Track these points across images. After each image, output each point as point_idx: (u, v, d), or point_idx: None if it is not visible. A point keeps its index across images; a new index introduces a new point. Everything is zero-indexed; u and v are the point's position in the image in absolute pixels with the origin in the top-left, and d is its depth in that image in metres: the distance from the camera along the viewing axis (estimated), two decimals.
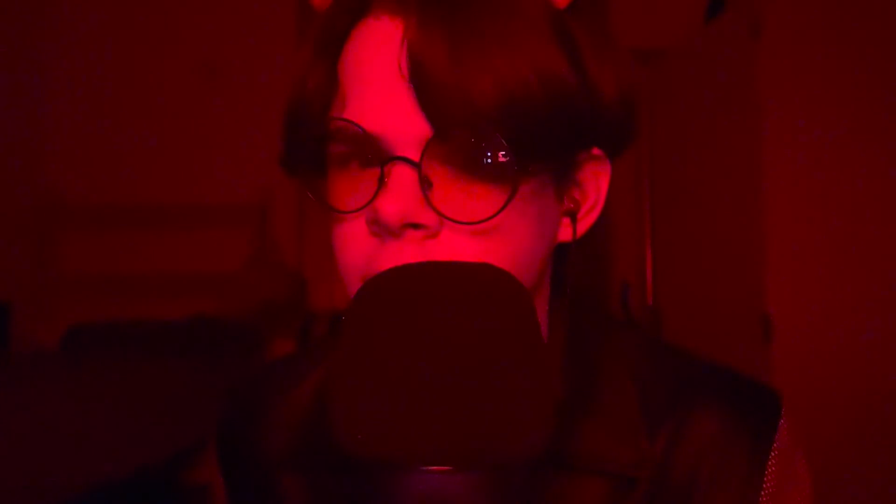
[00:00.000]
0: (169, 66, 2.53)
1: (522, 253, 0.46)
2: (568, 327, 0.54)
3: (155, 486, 1.38)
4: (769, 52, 1.74)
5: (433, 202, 0.43)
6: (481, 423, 0.36)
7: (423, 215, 0.43)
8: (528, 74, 0.42)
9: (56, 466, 1.11)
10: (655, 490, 0.49)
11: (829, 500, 0.62)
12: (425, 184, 0.43)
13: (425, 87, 0.42)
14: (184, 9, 2.52)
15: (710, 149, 2.03)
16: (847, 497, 1.56)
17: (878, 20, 1.74)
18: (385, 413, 0.36)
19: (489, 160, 0.43)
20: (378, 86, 0.44)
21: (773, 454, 0.50)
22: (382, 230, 0.43)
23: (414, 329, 0.38)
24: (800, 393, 1.35)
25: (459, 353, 0.37)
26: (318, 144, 0.47)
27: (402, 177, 0.43)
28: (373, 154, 0.44)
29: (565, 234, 0.50)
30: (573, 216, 0.49)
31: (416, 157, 0.43)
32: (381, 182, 0.43)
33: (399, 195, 0.42)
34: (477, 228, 0.43)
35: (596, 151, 0.49)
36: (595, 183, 0.50)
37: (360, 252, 0.45)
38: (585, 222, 0.50)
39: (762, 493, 0.50)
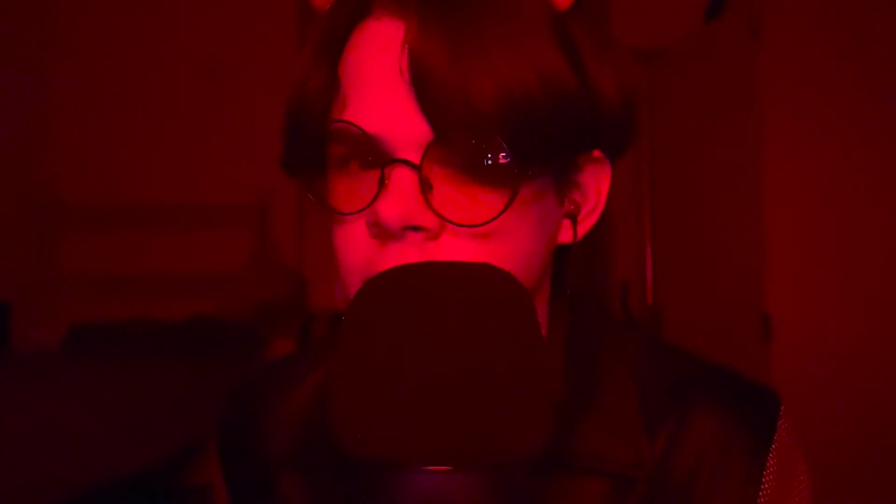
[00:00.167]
0: (169, 66, 2.53)
1: (523, 255, 0.46)
2: (568, 327, 0.54)
3: (155, 486, 1.38)
4: (769, 52, 1.74)
5: (433, 205, 0.43)
6: (481, 424, 0.36)
7: (423, 217, 0.43)
8: (528, 76, 0.42)
9: (56, 466, 1.11)
10: (655, 490, 0.50)
11: (828, 500, 0.62)
12: (425, 186, 0.43)
13: (426, 88, 0.42)
14: (184, 9, 2.52)
15: (710, 149, 2.03)
16: (847, 497, 1.56)
17: (878, 20, 1.74)
18: (385, 413, 0.36)
19: (490, 162, 0.43)
20: (378, 87, 0.44)
21: (772, 454, 0.50)
22: (383, 232, 0.43)
23: (414, 329, 0.38)
24: (800, 393, 1.35)
25: (459, 353, 0.37)
26: (319, 145, 0.47)
27: (402, 179, 0.43)
28: (373, 156, 0.44)
29: (566, 235, 0.50)
30: (574, 218, 0.49)
31: (416, 159, 0.43)
32: (382, 184, 0.43)
33: (399, 197, 0.42)
34: (477, 231, 0.43)
35: (596, 153, 0.49)
36: (595, 185, 0.50)
37: (360, 253, 0.45)
38: (586, 224, 0.50)
39: (761, 493, 0.50)
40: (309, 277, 2.44)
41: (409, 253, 0.43)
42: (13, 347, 2.23)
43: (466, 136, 0.43)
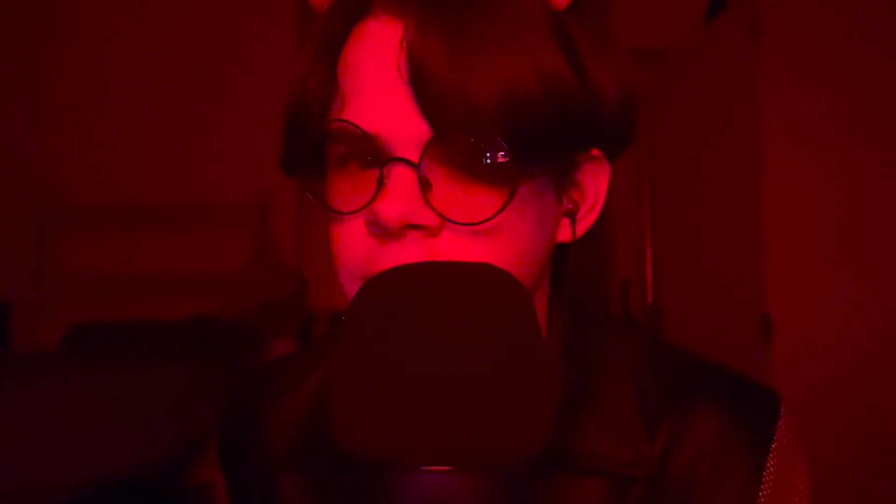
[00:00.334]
0: (169, 66, 2.53)
1: (522, 253, 0.46)
2: (567, 327, 0.54)
3: (155, 486, 1.38)
4: (769, 52, 1.74)
5: (433, 203, 0.43)
6: (481, 424, 0.36)
7: (422, 216, 0.43)
8: (527, 76, 0.42)
9: (56, 466, 1.11)
10: (654, 490, 0.50)
11: (828, 500, 0.62)
12: (424, 185, 0.43)
13: (424, 88, 0.42)
14: (184, 10, 2.52)
15: (710, 149, 2.03)
16: (847, 497, 1.56)
17: (878, 20, 1.74)
18: (385, 413, 0.36)
19: (488, 161, 0.43)
20: (377, 87, 0.44)
21: (771, 454, 0.50)
22: (382, 231, 0.43)
23: (414, 329, 0.38)
24: (800, 393, 1.35)
25: (459, 353, 0.37)
26: (318, 145, 0.47)
27: (401, 178, 0.43)
28: (372, 155, 0.44)
29: (564, 234, 0.50)
30: (572, 217, 0.49)
31: (415, 158, 0.43)
32: (381, 183, 0.43)
33: (399, 196, 0.42)
34: (477, 229, 0.43)
35: (595, 152, 0.49)
36: (594, 184, 0.50)
37: (358, 252, 0.45)
38: (584, 223, 0.50)
39: (761, 492, 0.50)
40: (309, 277, 2.44)
41: (408, 251, 0.43)
42: (13, 347, 2.23)
43: (465, 136, 0.43)
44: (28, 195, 2.45)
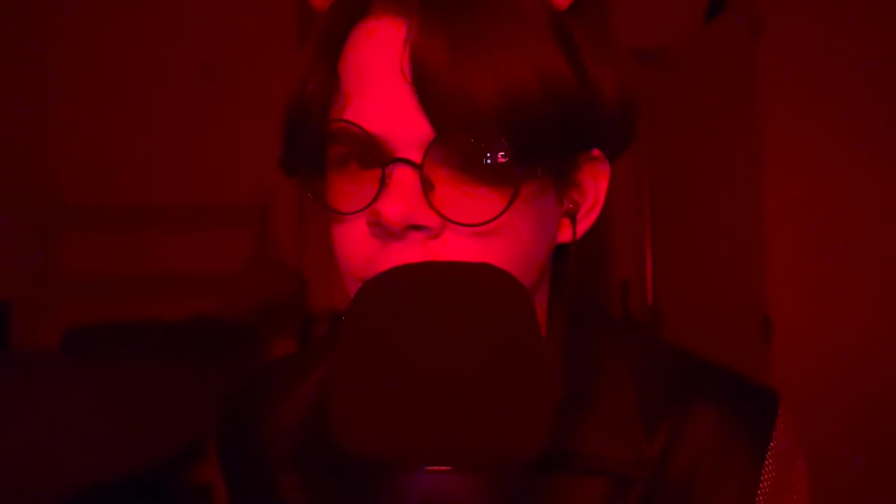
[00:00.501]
0: (169, 66, 2.53)
1: (523, 253, 0.46)
2: (567, 327, 0.54)
3: (155, 486, 1.38)
4: (769, 52, 1.74)
5: (435, 204, 0.43)
6: (481, 424, 0.36)
7: (425, 217, 0.43)
8: (529, 75, 0.42)
9: (56, 466, 1.11)
10: (653, 489, 0.50)
11: (827, 500, 0.62)
12: (427, 185, 0.43)
13: (427, 88, 0.42)
14: (184, 10, 2.52)
15: (710, 149, 2.03)
16: (846, 497, 1.56)
17: (878, 20, 1.74)
18: (385, 414, 0.36)
19: (491, 162, 0.43)
20: (379, 87, 0.44)
21: (770, 453, 0.50)
22: (384, 231, 0.43)
23: (414, 329, 0.38)
24: (799, 393, 1.34)
25: (459, 353, 0.37)
26: (319, 145, 0.47)
27: (403, 178, 0.43)
28: (373, 155, 0.44)
29: (565, 234, 0.50)
30: (573, 217, 0.49)
31: (417, 158, 0.43)
32: (383, 183, 0.43)
33: (401, 197, 0.42)
34: (479, 230, 0.43)
35: (595, 153, 0.49)
36: (594, 184, 0.50)
37: (360, 252, 0.45)
38: (585, 223, 0.50)
39: (760, 491, 0.50)
40: (309, 277, 2.44)
41: (410, 252, 0.43)
42: (13, 347, 2.23)
43: (468, 136, 0.43)
44: (28, 195, 2.45)
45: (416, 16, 0.43)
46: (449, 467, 0.36)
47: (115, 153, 2.51)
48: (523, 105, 0.42)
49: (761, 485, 0.50)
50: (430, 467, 0.36)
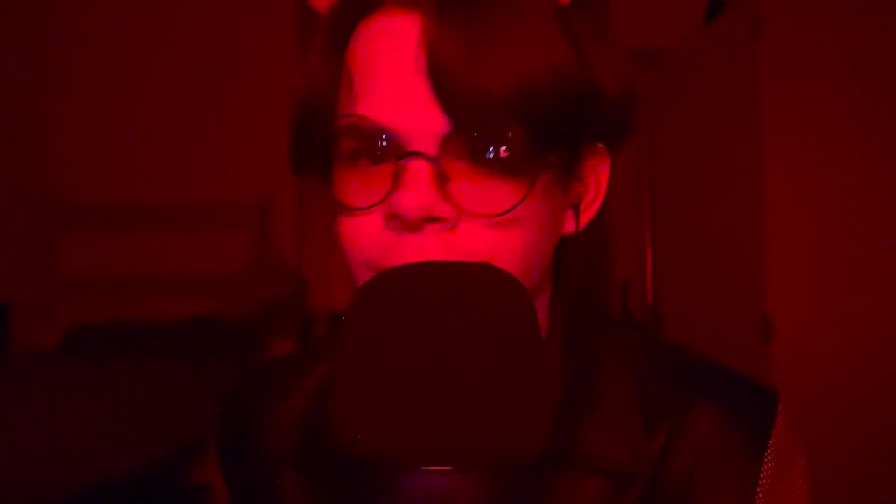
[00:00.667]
0: (169, 66, 2.53)
1: (536, 244, 0.46)
2: (568, 324, 0.54)
3: (155, 485, 1.38)
4: (769, 52, 1.74)
5: (452, 196, 0.43)
6: (481, 424, 0.36)
7: (441, 209, 0.43)
8: (541, 68, 0.43)
9: (56, 466, 1.11)
10: (653, 487, 0.50)
11: (827, 500, 0.62)
12: (442, 178, 0.43)
13: (444, 82, 0.43)
14: (184, 9, 2.52)
15: (710, 149, 2.03)
16: (846, 496, 1.56)
17: (878, 20, 1.74)
18: (385, 413, 0.36)
19: (506, 153, 0.44)
20: (392, 81, 0.44)
21: (769, 452, 0.50)
22: (401, 224, 0.43)
23: (414, 329, 0.38)
24: (799, 393, 1.35)
25: (459, 353, 0.37)
26: (329, 141, 0.47)
27: (418, 171, 0.43)
28: (387, 149, 0.44)
29: (568, 226, 0.50)
30: (576, 209, 0.50)
31: (431, 151, 0.43)
32: (397, 177, 0.43)
33: (418, 189, 0.42)
34: (494, 221, 0.44)
35: (598, 144, 0.49)
36: (595, 176, 0.51)
37: (374, 247, 0.45)
38: (587, 215, 0.51)
39: (759, 490, 0.50)
40: (309, 277, 2.44)
41: (427, 244, 0.43)
42: (13, 347, 2.23)
43: (483, 128, 0.43)
44: (29, 195, 2.45)
45: (430, 11, 0.43)
46: (449, 467, 0.36)
47: (115, 153, 2.51)
48: (536, 97, 0.43)
49: (760, 483, 0.50)
50: (431, 467, 0.36)
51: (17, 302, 2.27)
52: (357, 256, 0.46)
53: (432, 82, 0.43)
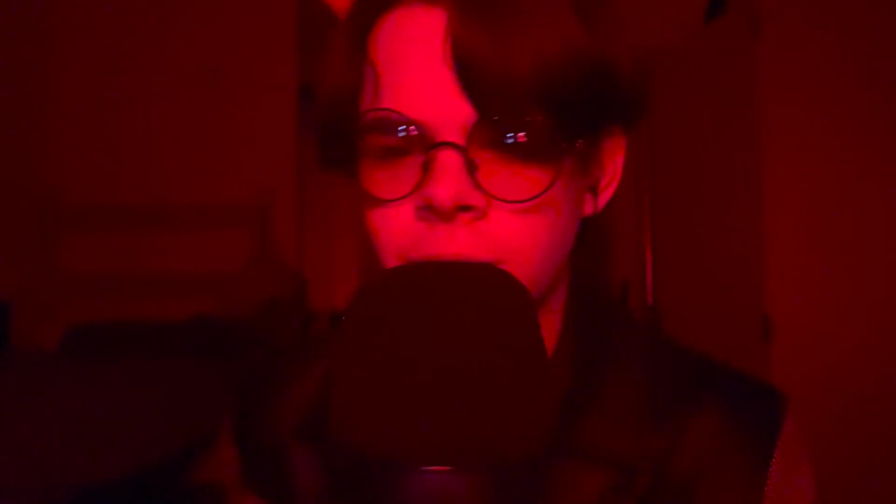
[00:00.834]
0: (170, 67, 2.53)
1: (562, 226, 0.47)
2: (585, 315, 0.54)
3: (156, 485, 1.38)
4: (769, 52, 1.75)
5: (482, 184, 0.43)
6: (482, 424, 0.36)
7: (473, 197, 0.44)
8: (562, 53, 0.44)
9: (56, 466, 1.11)
10: (657, 483, 0.50)
11: (830, 500, 0.62)
12: (472, 167, 0.44)
13: (471, 73, 0.43)
14: (185, 11, 2.53)
15: (710, 149, 2.03)
16: (848, 497, 1.56)
17: (878, 20, 1.74)
18: (385, 413, 0.36)
19: (533, 139, 0.44)
20: (419, 74, 0.45)
21: (776, 454, 0.50)
22: (434, 214, 0.44)
23: (414, 329, 0.38)
24: (800, 393, 1.35)
25: (460, 352, 0.37)
26: (357, 136, 0.47)
27: (448, 161, 0.44)
28: (416, 141, 0.45)
29: (588, 208, 0.51)
30: (594, 190, 0.51)
31: (460, 140, 0.44)
32: (428, 168, 0.44)
33: (450, 179, 0.43)
34: (523, 207, 0.44)
35: (614, 126, 0.50)
36: (612, 157, 0.51)
37: (406, 237, 0.46)
38: (605, 196, 0.52)
39: (765, 491, 0.50)
40: (309, 277, 2.44)
41: (458, 233, 0.44)
42: (13, 347, 2.23)
43: (510, 116, 0.44)
44: (29, 195, 2.45)
45: (452, 3, 0.44)
46: (449, 467, 0.36)
47: (115, 153, 2.51)
48: (560, 82, 0.44)
49: (766, 485, 0.50)
50: (431, 467, 0.36)
51: (17, 302, 2.27)
52: (389, 247, 0.47)
53: (458, 73, 0.44)
